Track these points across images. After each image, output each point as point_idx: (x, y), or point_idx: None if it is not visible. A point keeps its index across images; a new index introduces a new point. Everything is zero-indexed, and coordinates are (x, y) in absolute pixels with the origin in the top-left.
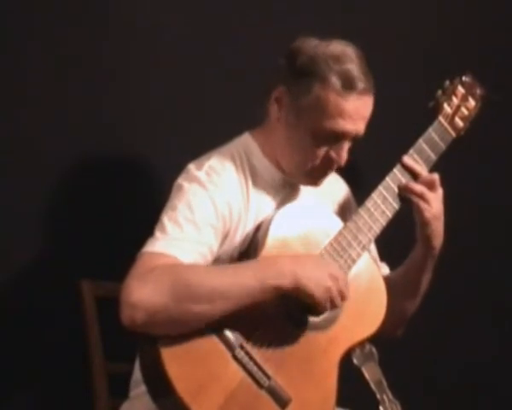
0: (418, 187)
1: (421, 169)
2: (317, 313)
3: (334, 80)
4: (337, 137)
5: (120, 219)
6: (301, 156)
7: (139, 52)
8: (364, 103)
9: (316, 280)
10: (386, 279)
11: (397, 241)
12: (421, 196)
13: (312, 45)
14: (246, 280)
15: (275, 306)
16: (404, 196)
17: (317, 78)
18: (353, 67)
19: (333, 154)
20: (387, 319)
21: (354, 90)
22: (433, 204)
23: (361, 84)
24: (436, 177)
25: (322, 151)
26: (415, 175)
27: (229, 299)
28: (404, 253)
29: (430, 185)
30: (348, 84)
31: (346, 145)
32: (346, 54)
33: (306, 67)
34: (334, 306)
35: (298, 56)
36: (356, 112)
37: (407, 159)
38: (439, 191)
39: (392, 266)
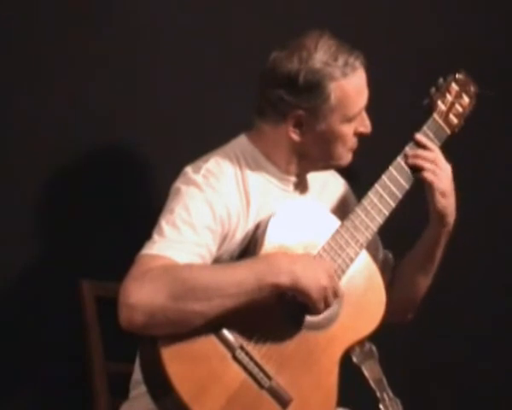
0: (427, 164)
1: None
2: (313, 312)
3: (342, 72)
4: (362, 112)
5: (120, 220)
6: (336, 148)
7: (138, 53)
8: (364, 72)
9: (313, 279)
10: (399, 263)
11: (400, 233)
12: (433, 169)
13: (297, 60)
14: (243, 278)
15: (274, 306)
16: (415, 165)
17: (328, 81)
18: (342, 51)
19: (361, 128)
20: (400, 304)
21: (356, 69)
22: (443, 180)
23: (356, 61)
24: (436, 156)
25: (352, 131)
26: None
27: (227, 297)
28: (407, 245)
29: (435, 164)
30: (351, 68)
31: (365, 114)
32: (329, 45)
33: (313, 80)
34: (327, 305)
35: (296, 78)
36: (364, 83)
37: (419, 136)
38: (447, 168)
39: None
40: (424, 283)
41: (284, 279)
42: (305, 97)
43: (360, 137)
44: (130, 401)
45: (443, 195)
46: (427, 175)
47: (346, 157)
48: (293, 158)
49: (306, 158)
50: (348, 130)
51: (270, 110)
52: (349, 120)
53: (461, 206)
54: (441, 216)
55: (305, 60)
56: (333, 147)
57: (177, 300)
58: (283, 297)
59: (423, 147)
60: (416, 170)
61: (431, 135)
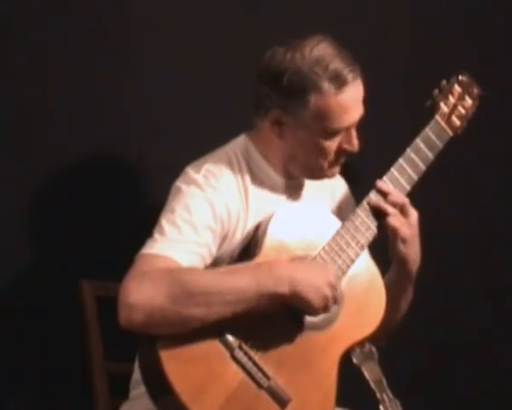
0: (390, 208)
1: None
2: (311, 315)
3: (327, 85)
4: (346, 130)
5: (120, 220)
6: (316, 159)
7: (139, 53)
8: (358, 88)
9: (314, 288)
10: None
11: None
12: (396, 214)
13: (289, 58)
14: (243, 285)
15: (274, 306)
16: (379, 210)
17: (311, 90)
18: (337, 62)
19: (345, 145)
20: None
21: (347, 84)
22: (404, 228)
23: (350, 75)
24: (406, 201)
25: (334, 146)
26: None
27: (226, 304)
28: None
29: (401, 209)
30: (341, 82)
31: (354, 132)
32: (325, 53)
33: (296, 85)
34: (326, 311)
35: (282, 77)
36: (354, 100)
37: (382, 183)
38: (412, 216)
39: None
40: (389, 320)
41: (285, 289)
42: (285, 98)
43: (345, 154)
44: (130, 401)
45: (403, 242)
46: (391, 220)
47: (328, 171)
48: (284, 159)
49: (293, 161)
50: (329, 144)
51: (260, 104)
52: (330, 134)
53: (460, 205)
54: (402, 263)
55: (297, 61)
56: (313, 157)
57: (177, 303)
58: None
59: (385, 194)
60: (380, 215)
61: (433, 137)
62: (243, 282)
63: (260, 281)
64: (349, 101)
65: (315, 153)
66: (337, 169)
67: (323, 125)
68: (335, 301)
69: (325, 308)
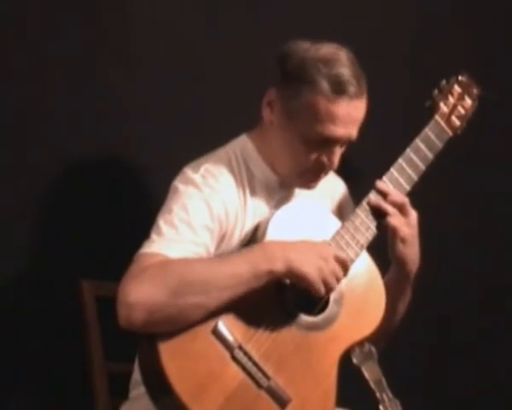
0: (390, 208)
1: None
2: (315, 300)
3: (324, 85)
4: (328, 142)
5: (120, 220)
6: (293, 159)
7: (139, 53)
8: (356, 108)
9: (307, 261)
10: None
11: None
12: (396, 213)
13: (303, 48)
14: (238, 268)
15: (274, 306)
16: (379, 209)
17: (307, 82)
18: (344, 70)
19: (324, 158)
20: None
21: (344, 95)
22: (404, 227)
23: (352, 89)
24: (406, 201)
25: (313, 155)
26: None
27: (224, 288)
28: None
29: (400, 209)
30: (338, 89)
31: (338, 150)
32: (336, 57)
33: (296, 71)
34: (328, 287)
35: (288, 60)
36: (347, 117)
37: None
38: (412, 216)
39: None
40: (390, 317)
41: (279, 265)
42: (283, 82)
43: (323, 169)
44: (130, 401)
45: (403, 241)
46: (391, 220)
47: (304, 182)
48: (277, 159)
49: (278, 160)
50: (303, 149)
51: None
52: (305, 139)
53: (459, 205)
54: (401, 263)
55: (307, 52)
56: (291, 159)
57: (176, 295)
58: (283, 296)
59: (385, 194)
60: (380, 215)
61: (433, 137)
62: (238, 265)
63: (255, 262)
64: (340, 113)
65: (291, 154)
66: (312, 183)
67: (307, 124)
68: (336, 275)
69: (324, 282)
